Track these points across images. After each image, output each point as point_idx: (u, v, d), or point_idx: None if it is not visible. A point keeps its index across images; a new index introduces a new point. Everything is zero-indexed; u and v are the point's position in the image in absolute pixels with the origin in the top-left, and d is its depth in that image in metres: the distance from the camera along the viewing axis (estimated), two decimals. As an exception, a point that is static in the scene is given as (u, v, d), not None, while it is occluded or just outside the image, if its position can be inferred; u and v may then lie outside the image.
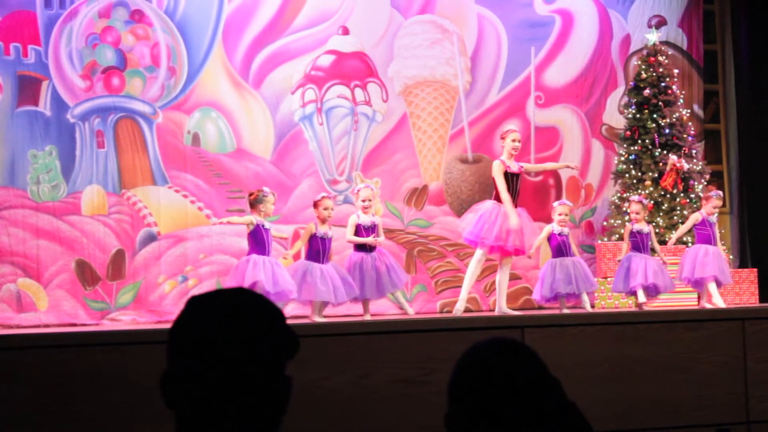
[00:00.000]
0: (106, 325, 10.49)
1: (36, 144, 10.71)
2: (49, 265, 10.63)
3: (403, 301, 9.68)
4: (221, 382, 1.93)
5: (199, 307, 2.01)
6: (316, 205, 9.38)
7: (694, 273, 10.01)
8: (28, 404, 5.17)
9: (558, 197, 12.03)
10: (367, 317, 9.22)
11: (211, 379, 1.93)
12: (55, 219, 10.68)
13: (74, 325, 10.48)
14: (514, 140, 9.41)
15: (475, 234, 9.28)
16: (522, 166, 9.46)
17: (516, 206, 9.33)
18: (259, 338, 1.96)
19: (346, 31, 11.95)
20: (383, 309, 10.77)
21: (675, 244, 10.64)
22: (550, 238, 9.81)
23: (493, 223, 9.19)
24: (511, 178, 9.31)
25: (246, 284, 8.49)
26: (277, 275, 8.83)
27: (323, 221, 9.29)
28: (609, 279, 10.86)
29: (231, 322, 1.96)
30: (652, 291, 9.83)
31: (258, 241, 8.96)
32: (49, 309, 10.56)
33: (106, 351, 5.39)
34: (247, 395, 1.94)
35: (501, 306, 9.43)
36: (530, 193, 12.25)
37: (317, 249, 9.19)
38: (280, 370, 2.00)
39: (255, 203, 9.07)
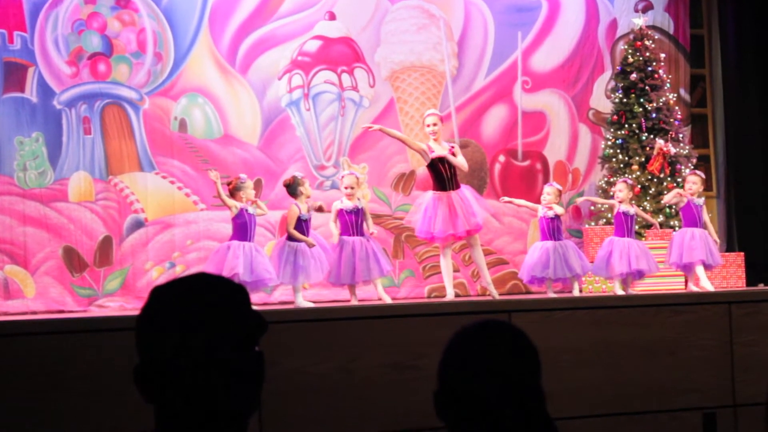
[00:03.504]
0: (94, 312, 10.47)
1: (22, 131, 10.66)
2: (37, 252, 10.61)
3: (380, 289, 9.34)
4: (191, 370, 1.93)
5: (161, 297, 2.01)
6: (300, 183, 9.00)
7: (682, 258, 9.99)
8: (15, 391, 5.17)
9: (545, 181, 12.02)
10: (354, 302, 9.17)
11: (182, 367, 1.93)
12: (42, 206, 10.64)
13: (62, 311, 10.46)
14: (428, 125, 9.31)
15: (425, 231, 9.22)
16: (453, 145, 9.40)
17: (454, 188, 9.23)
18: (223, 322, 1.97)
19: (332, 17, 11.92)
20: (371, 294, 10.77)
21: (662, 209, 10.30)
22: (540, 220, 9.79)
23: (435, 215, 9.13)
24: (440, 161, 9.23)
25: (225, 273, 8.32)
26: (254, 263, 8.64)
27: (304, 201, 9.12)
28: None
29: (194, 309, 1.96)
30: (635, 275, 9.82)
31: (241, 225, 8.84)
32: (37, 296, 10.54)
33: (94, 337, 5.39)
34: (219, 379, 1.94)
35: (486, 279, 9.42)
36: (517, 177, 12.27)
37: (301, 231, 9.02)
38: (250, 349, 2.00)
39: (235, 191, 8.90)
